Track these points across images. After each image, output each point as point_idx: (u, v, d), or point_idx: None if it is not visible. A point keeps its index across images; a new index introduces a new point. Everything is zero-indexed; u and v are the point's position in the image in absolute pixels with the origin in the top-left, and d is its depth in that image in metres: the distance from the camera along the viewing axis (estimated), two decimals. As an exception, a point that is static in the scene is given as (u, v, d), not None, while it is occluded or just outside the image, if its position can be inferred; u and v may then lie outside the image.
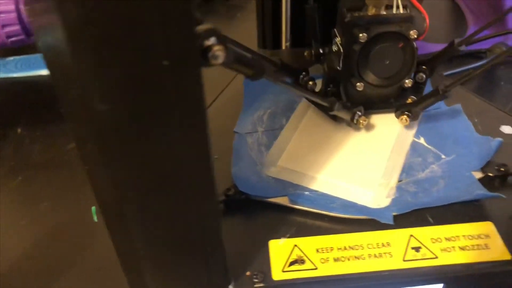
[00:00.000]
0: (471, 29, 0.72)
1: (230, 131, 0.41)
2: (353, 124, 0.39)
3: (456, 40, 0.40)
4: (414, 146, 0.39)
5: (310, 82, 0.42)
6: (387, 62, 0.38)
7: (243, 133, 0.41)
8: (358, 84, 0.38)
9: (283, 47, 0.53)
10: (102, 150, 0.22)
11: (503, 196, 0.34)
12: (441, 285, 0.31)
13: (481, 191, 0.34)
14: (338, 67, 0.39)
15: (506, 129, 0.41)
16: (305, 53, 0.44)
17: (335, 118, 0.40)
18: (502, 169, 0.36)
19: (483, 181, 0.36)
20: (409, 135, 0.39)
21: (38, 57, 0.62)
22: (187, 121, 0.21)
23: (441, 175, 0.36)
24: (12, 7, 0.52)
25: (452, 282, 0.31)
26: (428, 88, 0.42)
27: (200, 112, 0.21)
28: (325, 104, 0.36)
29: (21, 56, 0.63)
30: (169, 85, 0.19)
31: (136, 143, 0.21)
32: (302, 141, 0.39)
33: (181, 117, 0.20)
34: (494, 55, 0.61)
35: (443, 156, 0.37)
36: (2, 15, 0.52)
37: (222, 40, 0.21)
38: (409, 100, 0.41)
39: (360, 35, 0.36)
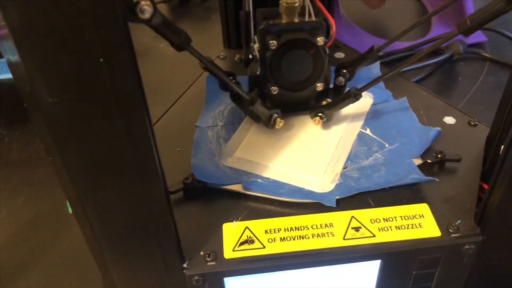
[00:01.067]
0: (434, 28, 0.76)
1: (194, 126, 0.44)
2: (270, 125, 0.40)
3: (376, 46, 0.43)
4: (361, 137, 0.42)
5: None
6: (298, 68, 0.40)
7: (204, 127, 0.44)
8: (272, 88, 0.41)
9: (248, 47, 0.55)
10: (56, 141, 0.25)
11: (437, 180, 0.37)
12: (379, 261, 0.34)
13: (415, 175, 0.37)
14: (257, 72, 0.42)
15: (448, 119, 0.44)
16: (236, 58, 0.46)
17: (257, 120, 0.41)
18: (439, 155, 0.39)
19: (423, 167, 0.39)
20: (357, 127, 0.43)
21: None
22: (125, 106, 0.23)
23: (383, 162, 0.39)
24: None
25: (388, 258, 0.34)
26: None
27: (136, 97, 0.24)
28: (247, 97, 0.39)
29: (1, 59, 0.65)
30: (106, 77, 0.22)
31: (84, 131, 0.24)
32: (258, 134, 0.42)
33: (118, 103, 0.23)
34: (451, 52, 0.65)
35: (386, 145, 0.40)
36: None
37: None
38: (324, 103, 0.43)
39: (271, 42, 0.39)
